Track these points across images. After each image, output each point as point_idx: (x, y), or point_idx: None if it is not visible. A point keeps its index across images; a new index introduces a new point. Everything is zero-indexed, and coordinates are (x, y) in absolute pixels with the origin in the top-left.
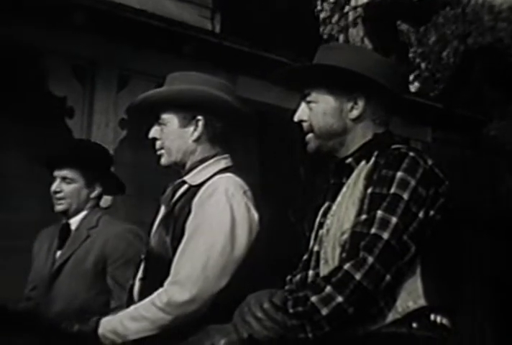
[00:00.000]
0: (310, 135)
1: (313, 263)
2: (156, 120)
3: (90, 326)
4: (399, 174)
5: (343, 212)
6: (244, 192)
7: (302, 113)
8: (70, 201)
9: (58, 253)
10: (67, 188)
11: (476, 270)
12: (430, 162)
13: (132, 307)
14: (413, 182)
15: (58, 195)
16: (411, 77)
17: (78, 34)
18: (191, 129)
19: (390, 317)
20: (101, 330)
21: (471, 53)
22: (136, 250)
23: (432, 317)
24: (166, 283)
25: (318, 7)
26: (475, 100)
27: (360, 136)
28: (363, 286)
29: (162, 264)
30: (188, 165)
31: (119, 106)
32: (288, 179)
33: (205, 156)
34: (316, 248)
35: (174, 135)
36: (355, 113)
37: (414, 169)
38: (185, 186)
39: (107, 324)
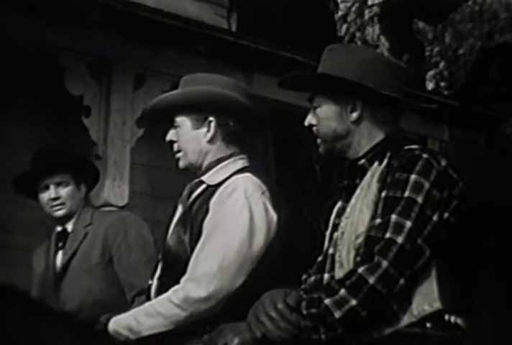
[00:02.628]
0: (320, 139)
1: (328, 266)
2: (171, 123)
3: (102, 324)
4: (413, 177)
5: (357, 215)
6: (263, 193)
7: (311, 118)
8: (69, 204)
9: (58, 256)
10: (64, 192)
11: (494, 269)
12: (444, 163)
13: (147, 304)
14: (427, 185)
15: (58, 202)
16: (428, 76)
17: (95, 33)
18: (204, 130)
19: (406, 320)
20: (113, 327)
21: (488, 51)
22: (135, 233)
23: (446, 317)
24: (183, 280)
25: (335, 5)
26: (492, 98)
27: (366, 136)
28: (377, 290)
29: (179, 263)
30: (204, 165)
31: (135, 104)
32: (303, 177)
33: (221, 156)
34: (330, 251)
35: (188, 137)
36: (354, 115)
37: (428, 171)
38: (203, 186)
39: (120, 320)
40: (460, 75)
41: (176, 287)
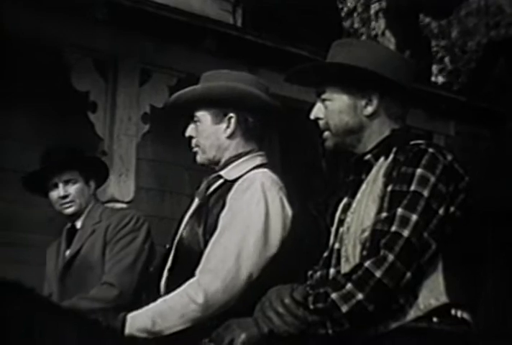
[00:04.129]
0: (327, 133)
1: (334, 261)
2: (191, 118)
3: (118, 323)
4: (419, 171)
5: (363, 209)
6: (280, 189)
7: (318, 111)
8: (79, 202)
9: (67, 253)
10: (73, 190)
11: (500, 263)
12: (450, 157)
13: (161, 301)
14: (433, 179)
15: (67, 199)
16: (434, 71)
17: (100, 28)
18: (224, 125)
19: (412, 314)
20: (128, 331)
21: (494, 46)
22: (130, 229)
23: (453, 312)
24: (198, 271)
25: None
26: (499, 93)
27: (377, 132)
28: (383, 283)
29: (191, 255)
30: (223, 161)
31: (141, 100)
32: (309, 172)
33: (240, 152)
34: (336, 245)
35: (207, 132)
36: (370, 109)
37: (434, 165)
38: (221, 180)
39: (135, 322)
40: (466, 70)
41: (191, 280)
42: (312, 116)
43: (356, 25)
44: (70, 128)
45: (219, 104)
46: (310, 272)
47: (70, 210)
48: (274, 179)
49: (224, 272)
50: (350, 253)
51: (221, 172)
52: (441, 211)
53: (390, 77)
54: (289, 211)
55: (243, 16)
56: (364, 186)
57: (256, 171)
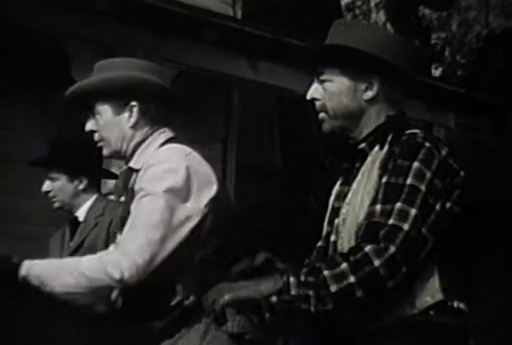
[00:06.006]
0: (322, 114)
1: (330, 253)
2: (91, 111)
3: (13, 265)
4: (415, 164)
5: (358, 203)
6: (186, 156)
7: (314, 91)
8: (60, 198)
9: (71, 243)
10: (53, 186)
11: (498, 257)
12: (444, 152)
13: (68, 260)
14: (429, 174)
15: (50, 195)
16: (434, 63)
17: (101, 21)
18: (126, 115)
19: (408, 311)
20: (24, 272)
21: (494, 38)
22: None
23: (449, 303)
24: (115, 250)
25: None
26: (498, 85)
27: (374, 117)
28: (379, 273)
29: None
30: (129, 151)
31: None
32: (309, 164)
33: (142, 138)
34: (332, 238)
35: (110, 124)
36: (370, 94)
37: (430, 160)
38: (133, 172)
39: (34, 267)
40: (466, 62)
41: (110, 257)
42: (308, 97)
43: (356, 17)
44: (69, 119)
45: (120, 95)
46: (306, 261)
47: (55, 205)
48: (177, 148)
49: (137, 252)
50: (346, 246)
51: (130, 164)
52: (437, 207)
53: (389, 60)
54: (199, 175)
55: (243, 8)
56: (359, 176)
57: (158, 151)
